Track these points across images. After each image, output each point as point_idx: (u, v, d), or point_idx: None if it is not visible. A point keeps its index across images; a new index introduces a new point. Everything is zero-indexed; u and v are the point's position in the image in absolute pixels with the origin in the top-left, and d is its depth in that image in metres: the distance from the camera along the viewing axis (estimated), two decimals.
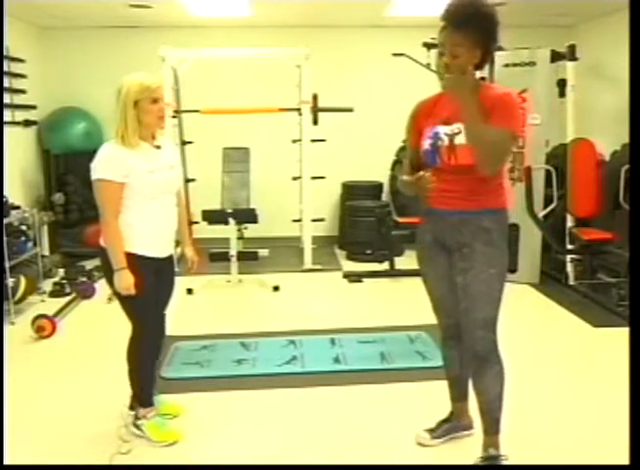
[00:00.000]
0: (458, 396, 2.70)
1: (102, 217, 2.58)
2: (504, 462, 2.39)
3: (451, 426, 2.71)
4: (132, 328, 2.75)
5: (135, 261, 2.58)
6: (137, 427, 2.79)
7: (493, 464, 2.39)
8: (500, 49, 5.39)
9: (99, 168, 2.58)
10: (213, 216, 5.40)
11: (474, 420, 2.72)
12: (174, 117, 6.17)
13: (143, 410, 2.79)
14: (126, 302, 2.63)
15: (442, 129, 2.29)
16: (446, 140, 2.27)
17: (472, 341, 2.37)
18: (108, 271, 2.61)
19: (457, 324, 2.50)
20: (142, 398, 2.80)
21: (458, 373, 2.65)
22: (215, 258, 5.44)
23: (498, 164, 2.24)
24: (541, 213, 5.11)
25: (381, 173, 6.95)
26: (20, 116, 6.01)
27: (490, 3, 2.25)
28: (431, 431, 2.70)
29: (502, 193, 2.34)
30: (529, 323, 4.32)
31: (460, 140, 2.24)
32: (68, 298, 4.89)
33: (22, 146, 6.09)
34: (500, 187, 2.34)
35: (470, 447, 2.66)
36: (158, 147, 2.68)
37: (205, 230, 6.25)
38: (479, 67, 2.31)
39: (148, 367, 2.80)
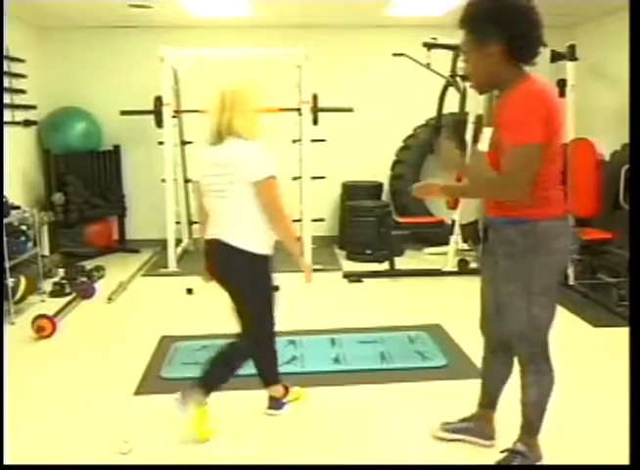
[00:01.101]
0: (483, 401, 2.65)
1: (277, 213, 2.69)
2: (528, 461, 2.39)
3: (468, 426, 2.66)
4: (253, 330, 2.85)
5: (268, 262, 2.76)
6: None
7: (514, 457, 2.40)
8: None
9: (269, 166, 2.70)
10: None
11: (496, 432, 2.65)
12: (174, 117, 6.18)
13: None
14: (265, 300, 2.85)
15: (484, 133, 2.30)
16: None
17: (514, 347, 2.38)
18: (253, 273, 2.73)
19: (497, 331, 2.46)
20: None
21: (487, 380, 2.62)
22: None
23: (513, 192, 2.07)
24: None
25: (381, 173, 6.95)
26: (20, 116, 6.01)
27: None
28: (447, 423, 2.68)
29: (540, 203, 2.13)
30: None
31: (481, 146, 2.25)
32: (68, 298, 4.89)
33: (22, 146, 6.09)
34: (539, 195, 2.12)
35: (476, 455, 2.66)
36: None
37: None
38: (519, 58, 2.14)
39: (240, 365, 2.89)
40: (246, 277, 2.71)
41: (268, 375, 3.01)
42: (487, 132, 2.21)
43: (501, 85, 2.19)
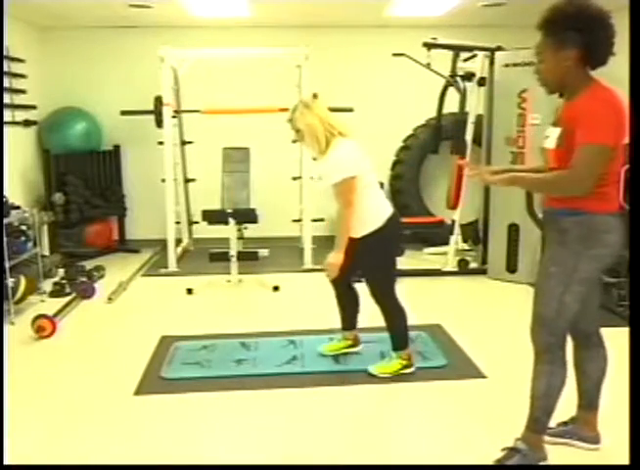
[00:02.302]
0: (580, 402, 2.61)
1: None
2: (526, 460, 2.38)
3: (567, 430, 2.62)
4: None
5: None
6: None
7: (511, 455, 2.40)
8: (500, 49, 5.39)
9: None
10: (213, 216, 5.40)
11: (601, 436, 2.61)
12: (174, 117, 6.18)
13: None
14: None
15: (546, 132, 2.39)
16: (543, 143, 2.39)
17: (530, 332, 2.40)
18: None
19: (571, 327, 2.43)
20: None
21: (578, 380, 2.57)
22: (215, 257, 5.44)
23: (577, 186, 2.18)
24: (541, 214, 5.11)
25: (381, 173, 6.93)
26: (20, 116, 6.01)
27: (589, 3, 2.19)
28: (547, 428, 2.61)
29: (597, 196, 2.22)
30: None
31: (547, 144, 2.33)
32: (68, 298, 4.90)
33: (21, 146, 6.09)
34: (598, 190, 2.21)
35: (478, 455, 2.65)
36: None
37: (205, 230, 6.25)
38: (592, 64, 2.24)
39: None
40: None
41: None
42: (555, 131, 2.29)
43: (570, 88, 2.27)
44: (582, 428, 2.62)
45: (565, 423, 2.65)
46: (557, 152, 2.27)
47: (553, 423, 2.60)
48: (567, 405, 2.55)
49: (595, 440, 2.60)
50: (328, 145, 3.21)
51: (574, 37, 2.17)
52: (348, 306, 3.65)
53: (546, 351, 2.34)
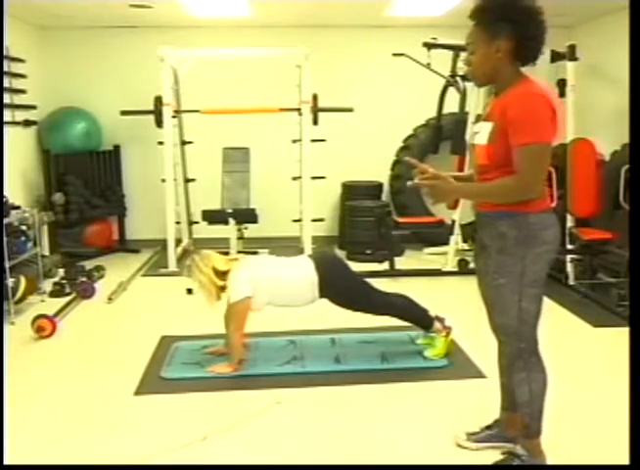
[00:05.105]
0: (504, 404, 2.58)
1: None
2: (524, 463, 2.36)
3: (493, 434, 2.61)
4: None
5: None
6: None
7: (510, 459, 2.39)
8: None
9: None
10: (213, 216, 5.40)
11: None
12: (174, 117, 6.18)
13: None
14: None
15: (475, 128, 2.32)
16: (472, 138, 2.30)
17: (499, 342, 2.38)
18: None
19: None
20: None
21: (504, 380, 2.54)
22: None
23: (531, 190, 2.11)
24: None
25: (381, 173, 6.95)
26: (20, 116, 6.00)
27: None
28: (471, 434, 2.63)
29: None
30: None
31: (477, 140, 2.24)
32: (68, 298, 4.90)
33: (22, 146, 6.09)
34: None
35: (478, 456, 2.65)
36: None
37: (205, 230, 6.26)
38: (523, 58, 2.18)
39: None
40: None
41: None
42: (485, 127, 2.20)
43: (500, 82, 2.21)
44: (507, 429, 2.56)
45: (488, 427, 2.64)
46: (488, 148, 2.17)
47: (477, 428, 2.64)
48: (489, 410, 2.59)
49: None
50: (223, 290, 3.48)
51: (506, 28, 2.11)
52: (408, 310, 3.69)
53: (519, 357, 2.29)
